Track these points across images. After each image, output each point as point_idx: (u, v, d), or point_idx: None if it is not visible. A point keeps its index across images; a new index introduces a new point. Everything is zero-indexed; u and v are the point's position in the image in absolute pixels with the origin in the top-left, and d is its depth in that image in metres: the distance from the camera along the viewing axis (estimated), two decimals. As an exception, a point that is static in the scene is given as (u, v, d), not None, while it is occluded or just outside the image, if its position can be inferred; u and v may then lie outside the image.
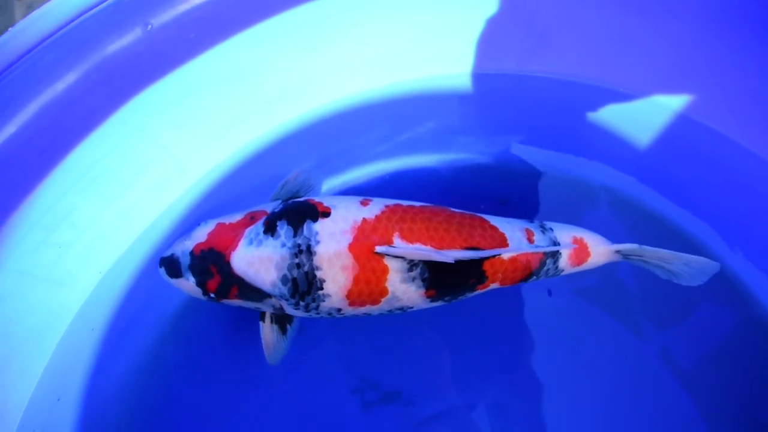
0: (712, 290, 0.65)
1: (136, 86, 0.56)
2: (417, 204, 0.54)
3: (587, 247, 0.56)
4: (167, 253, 0.52)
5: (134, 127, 0.59)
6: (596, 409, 0.64)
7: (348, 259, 0.48)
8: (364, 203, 0.52)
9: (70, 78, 0.52)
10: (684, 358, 0.65)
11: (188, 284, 0.51)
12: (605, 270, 0.63)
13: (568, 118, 0.71)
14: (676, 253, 0.54)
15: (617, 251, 0.56)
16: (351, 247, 0.48)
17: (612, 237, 0.68)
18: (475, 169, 0.72)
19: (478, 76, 0.71)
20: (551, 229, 0.56)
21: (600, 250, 0.56)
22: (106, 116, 0.55)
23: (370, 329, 0.66)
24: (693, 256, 0.54)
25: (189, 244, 0.51)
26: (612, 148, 0.71)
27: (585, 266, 0.57)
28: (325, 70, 0.67)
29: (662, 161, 0.69)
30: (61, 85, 0.52)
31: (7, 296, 0.57)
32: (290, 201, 0.53)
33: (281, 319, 0.55)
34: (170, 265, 0.51)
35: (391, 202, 0.53)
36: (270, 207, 0.53)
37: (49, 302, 0.61)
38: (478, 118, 0.74)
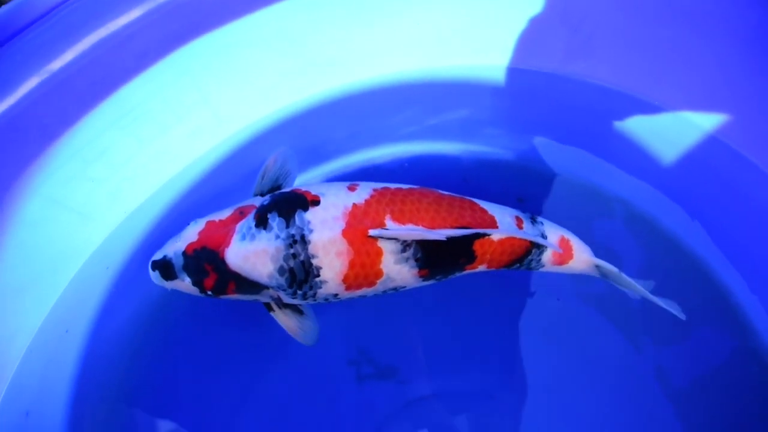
0: (715, 316, 0.66)
1: (193, 32, 0.56)
2: (404, 186, 0.54)
3: (571, 250, 0.58)
4: (158, 256, 0.51)
5: (181, 73, 0.60)
6: (585, 412, 0.65)
7: (343, 245, 0.49)
8: (351, 188, 0.52)
9: (133, 14, 0.52)
10: (677, 378, 0.65)
11: (184, 284, 0.51)
12: None
13: (599, 124, 0.72)
14: (648, 294, 0.57)
15: (597, 265, 0.58)
16: (345, 233, 0.49)
17: (622, 250, 0.69)
18: (497, 164, 0.72)
19: (516, 71, 0.71)
20: (541, 223, 0.58)
21: (582, 257, 0.58)
22: (158, 58, 0.56)
23: (374, 306, 0.67)
24: (662, 303, 0.57)
25: (180, 244, 0.51)
26: (636, 161, 0.71)
27: (564, 268, 0.59)
28: (371, 45, 0.67)
29: (684, 180, 0.70)
30: (123, 20, 0.52)
31: (38, 222, 0.59)
32: (276, 193, 0.53)
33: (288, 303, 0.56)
34: (164, 268, 0.51)
35: (378, 185, 0.54)
36: (258, 201, 0.53)
37: (73, 234, 0.62)
38: (509, 112, 0.74)
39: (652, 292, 0.59)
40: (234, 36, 0.60)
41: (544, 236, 0.57)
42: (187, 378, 0.66)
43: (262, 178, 0.56)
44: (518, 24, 0.67)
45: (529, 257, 0.56)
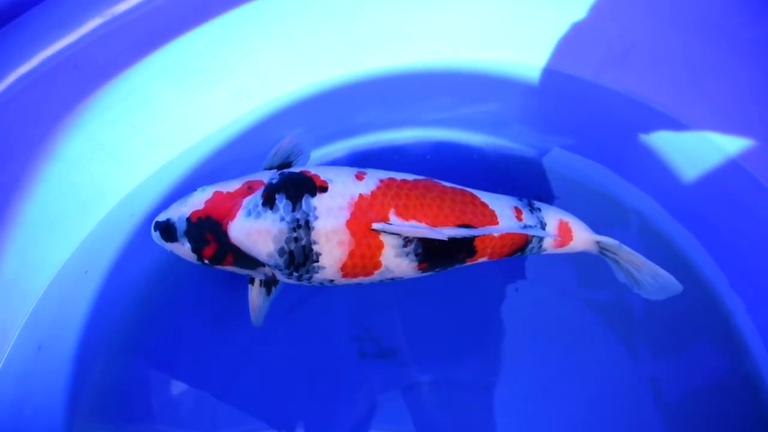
0: (713, 335, 0.67)
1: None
2: (410, 177, 0.55)
3: (571, 232, 0.59)
4: (162, 218, 0.52)
5: (235, 33, 0.61)
6: (575, 413, 0.66)
7: (345, 235, 0.50)
8: (359, 177, 0.53)
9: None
10: (669, 391, 0.66)
11: (183, 249, 0.52)
12: (619, 288, 0.64)
13: (624, 135, 0.72)
14: (649, 262, 0.58)
15: (597, 242, 0.59)
16: (349, 224, 0.50)
17: None
18: (520, 160, 0.73)
19: (551, 72, 0.72)
20: (539, 209, 0.59)
21: (582, 236, 0.59)
22: (216, 14, 0.57)
23: (384, 287, 0.68)
24: (663, 270, 0.58)
25: (186, 210, 0.52)
26: (656, 176, 0.72)
27: (566, 249, 0.60)
28: (419, 29, 0.68)
29: (700, 201, 0.70)
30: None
31: (77, 161, 0.60)
32: (287, 171, 0.53)
33: (268, 283, 0.57)
34: (166, 230, 0.52)
35: (384, 175, 0.55)
36: (266, 177, 0.53)
37: (106, 178, 0.64)
38: (539, 112, 0.75)
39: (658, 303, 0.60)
40: (289, 2, 0.61)
41: (543, 223, 0.58)
42: (193, 333, 0.68)
43: (275, 155, 0.57)
44: (560, 27, 0.68)
45: (530, 246, 0.58)
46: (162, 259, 0.67)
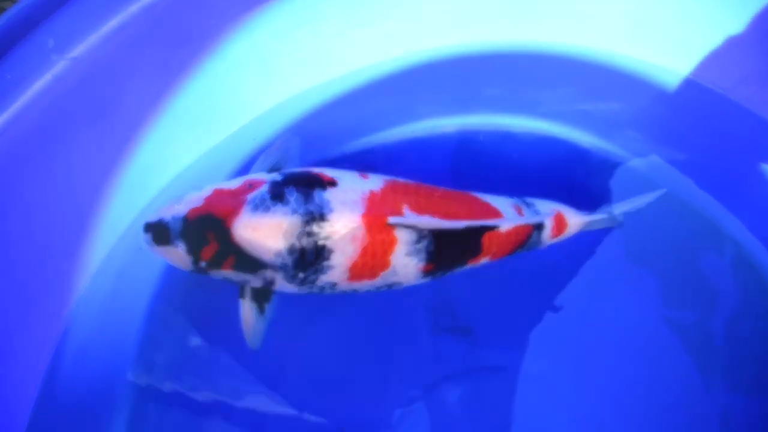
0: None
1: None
2: (410, 181, 0.55)
3: (564, 218, 0.60)
4: (153, 218, 0.48)
5: None
6: (640, 425, 0.64)
7: (360, 230, 0.48)
8: (363, 176, 0.52)
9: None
10: (740, 428, 0.64)
11: (177, 252, 0.47)
12: (703, 312, 0.66)
13: (745, 158, 0.70)
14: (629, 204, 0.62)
15: (589, 222, 0.61)
16: (364, 217, 0.48)
17: (721, 288, 0.68)
18: (623, 169, 0.71)
19: (687, 81, 0.70)
20: (533, 204, 0.60)
21: (575, 221, 0.60)
22: None
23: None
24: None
25: (181, 208, 0.47)
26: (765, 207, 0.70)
27: (562, 237, 0.60)
28: (573, 6, 0.67)
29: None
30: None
31: (233, 65, 0.59)
32: (287, 171, 0.51)
33: (259, 298, 0.53)
34: (158, 231, 0.47)
35: (386, 177, 0.53)
36: (267, 176, 0.50)
37: (251, 91, 0.63)
38: (659, 120, 0.73)
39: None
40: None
41: (539, 214, 0.59)
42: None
43: (264, 161, 0.55)
44: (715, 36, 0.66)
45: (531, 240, 0.58)
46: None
